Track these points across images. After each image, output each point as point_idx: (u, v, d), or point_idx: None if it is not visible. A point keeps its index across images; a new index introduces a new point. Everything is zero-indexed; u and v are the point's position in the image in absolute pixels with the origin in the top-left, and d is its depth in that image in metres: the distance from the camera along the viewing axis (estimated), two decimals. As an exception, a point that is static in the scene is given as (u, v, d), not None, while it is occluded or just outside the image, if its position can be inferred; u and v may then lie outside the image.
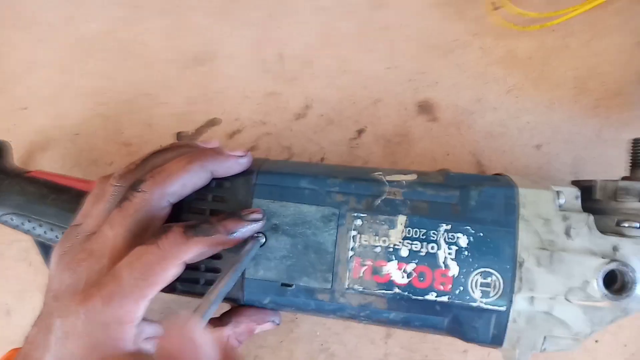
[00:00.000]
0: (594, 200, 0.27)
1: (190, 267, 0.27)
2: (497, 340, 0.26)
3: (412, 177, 0.28)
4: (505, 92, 0.36)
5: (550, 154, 0.35)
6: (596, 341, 0.35)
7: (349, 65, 0.37)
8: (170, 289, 0.28)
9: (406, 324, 0.27)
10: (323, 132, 0.38)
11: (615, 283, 0.25)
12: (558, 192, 0.26)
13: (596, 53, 0.35)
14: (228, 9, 0.38)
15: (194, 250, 0.25)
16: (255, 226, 0.27)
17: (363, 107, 0.37)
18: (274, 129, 0.38)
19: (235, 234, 0.26)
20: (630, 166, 0.29)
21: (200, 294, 0.28)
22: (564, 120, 0.35)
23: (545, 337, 0.25)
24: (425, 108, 0.37)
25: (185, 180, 0.26)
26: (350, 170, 0.29)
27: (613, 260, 0.25)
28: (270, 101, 0.38)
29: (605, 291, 0.25)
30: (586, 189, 0.28)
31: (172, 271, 0.24)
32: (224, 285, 0.24)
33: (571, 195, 0.26)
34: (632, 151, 0.29)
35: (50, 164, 0.40)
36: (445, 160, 0.37)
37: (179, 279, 0.27)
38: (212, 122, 0.39)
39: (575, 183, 0.29)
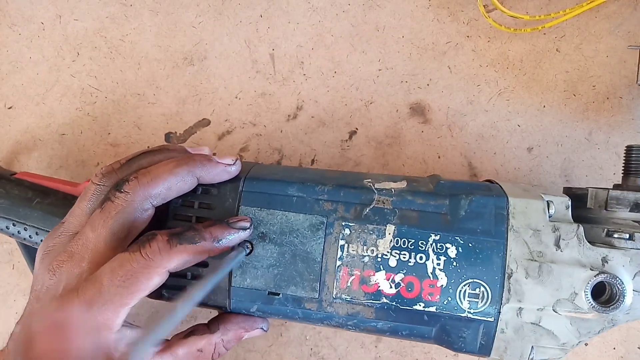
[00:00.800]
0: (585, 208, 0.27)
1: (176, 275, 0.26)
2: (484, 350, 0.26)
3: (401, 184, 0.27)
4: (497, 94, 0.36)
5: (541, 156, 0.36)
6: (586, 344, 0.35)
7: (341, 66, 0.37)
8: (156, 295, 0.27)
9: (394, 333, 0.27)
10: (314, 133, 0.37)
11: (603, 294, 0.25)
12: (548, 203, 0.26)
13: (587, 57, 0.35)
14: (219, 8, 0.38)
15: (179, 258, 0.24)
16: (243, 234, 0.26)
17: (355, 108, 0.37)
18: (265, 130, 0.38)
19: (222, 242, 0.25)
20: (623, 173, 0.29)
21: None
22: (554, 123, 0.36)
23: (532, 347, 0.25)
24: (417, 110, 0.37)
25: (171, 184, 0.26)
26: (339, 176, 0.29)
27: (602, 272, 0.25)
28: (261, 102, 0.38)
29: (594, 303, 0.25)
30: (577, 197, 0.27)
31: (156, 280, 0.24)
32: (194, 295, 0.23)
33: (562, 205, 0.26)
34: (625, 158, 0.29)
35: (36, 165, 0.39)
36: (437, 162, 0.37)
37: (164, 286, 0.26)
38: (202, 123, 0.38)
39: (567, 190, 0.29)
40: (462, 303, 0.25)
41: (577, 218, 0.26)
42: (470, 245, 0.25)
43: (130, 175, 0.25)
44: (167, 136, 0.39)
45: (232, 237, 0.26)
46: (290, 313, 0.27)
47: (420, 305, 0.25)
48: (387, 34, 0.37)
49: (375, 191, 0.27)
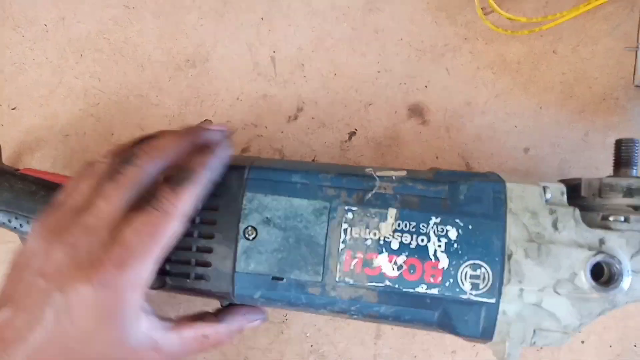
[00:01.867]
0: (579, 197, 0.28)
1: (179, 262, 0.27)
2: (487, 334, 0.26)
3: (402, 173, 0.28)
4: (494, 96, 0.36)
5: (538, 157, 0.36)
6: (582, 342, 0.36)
7: (340, 68, 0.38)
8: (160, 283, 0.28)
9: (396, 318, 0.27)
10: (314, 134, 0.38)
11: (602, 275, 0.26)
12: (544, 188, 0.26)
13: (584, 58, 0.36)
14: (221, 11, 0.38)
15: (189, 200, 0.26)
16: (228, 148, 0.28)
17: (354, 110, 0.38)
18: (266, 131, 0.38)
19: (214, 164, 0.27)
20: (614, 166, 0.29)
21: (191, 290, 0.28)
22: (551, 124, 0.36)
23: (534, 331, 0.26)
24: (415, 111, 0.37)
25: (177, 152, 0.27)
26: (341, 167, 0.30)
27: (600, 252, 0.25)
28: (262, 104, 0.38)
29: (593, 283, 0.25)
30: (572, 187, 0.28)
31: (176, 226, 0.25)
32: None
33: (557, 191, 0.27)
34: (615, 151, 0.29)
35: (40, 165, 0.40)
36: (435, 162, 0.37)
37: (168, 274, 0.27)
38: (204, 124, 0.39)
39: (562, 182, 0.30)
40: (463, 285, 0.26)
41: (571, 206, 0.27)
42: (470, 227, 0.26)
43: (139, 150, 0.26)
44: (170, 137, 0.39)
45: (222, 153, 0.27)
46: (293, 299, 0.27)
47: (422, 287, 0.26)
48: (386, 37, 0.37)
49: (377, 178, 0.28)
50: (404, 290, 0.26)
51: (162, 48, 0.39)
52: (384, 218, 0.26)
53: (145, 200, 0.25)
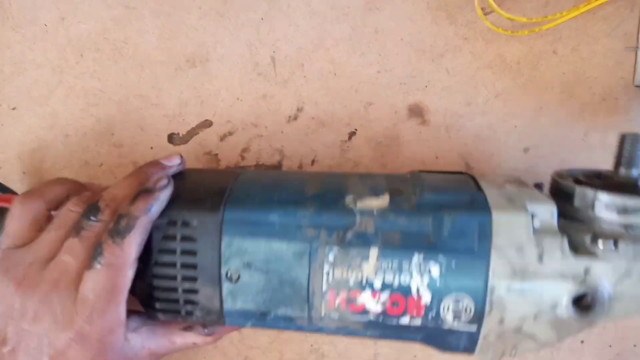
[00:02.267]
0: (572, 206, 0.27)
1: (167, 289, 0.28)
2: (468, 351, 0.27)
3: (384, 201, 0.27)
4: (494, 96, 0.37)
5: (537, 157, 0.36)
6: (582, 342, 0.36)
7: (340, 68, 0.38)
8: (153, 317, 0.29)
9: (383, 338, 0.28)
10: (314, 134, 0.38)
11: (584, 298, 0.26)
12: (533, 216, 0.25)
13: (583, 58, 0.36)
14: (221, 11, 0.38)
15: (134, 247, 0.27)
16: (168, 190, 0.28)
17: (354, 110, 0.38)
18: (266, 131, 0.38)
19: (153, 209, 0.27)
20: (615, 163, 0.28)
21: (185, 314, 0.29)
22: (551, 124, 0.36)
23: (515, 346, 0.26)
24: (415, 111, 0.37)
25: (128, 201, 0.28)
26: (321, 192, 0.28)
27: (583, 283, 0.25)
28: (262, 104, 0.38)
29: (573, 312, 0.25)
30: (565, 194, 0.27)
31: (129, 273, 0.27)
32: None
33: (547, 213, 0.26)
34: (618, 147, 0.28)
35: (40, 165, 0.40)
36: (435, 162, 0.37)
37: (160, 311, 0.29)
38: (204, 124, 0.39)
39: (555, 184, 0.29)
40: (445, 317, 0.26)
41: (563, 214, 0.26)
42: (453, 263, 0.25)
43: (103, 203, 0.28)
44: (170, 137, 0.39)
45: (161, 198, 0.28)
46: (284, 327, 0.28)
47: (405, 319, 0.26)
48: (386, 37, 0.37)
49: (357, 213, 0.27)
50: (388, 323, 0.27)
51: (162, 48, 0.39)
52: (365, 258, 0.26)
53: (92, 255, 0.27)
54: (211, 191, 0.28)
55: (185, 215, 0.27)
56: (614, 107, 0.36)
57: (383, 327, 0.27)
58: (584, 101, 0.36)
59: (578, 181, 0.28)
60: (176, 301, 0.28)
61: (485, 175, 0.31)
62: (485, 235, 0.25)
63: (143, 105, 0.39)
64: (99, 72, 0.40)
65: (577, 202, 0.27)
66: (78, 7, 0.40)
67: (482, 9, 0.35)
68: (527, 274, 0.25)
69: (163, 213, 0.28)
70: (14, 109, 0.40)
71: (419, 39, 0.37)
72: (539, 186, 0.29)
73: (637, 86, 0.34)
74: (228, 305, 0.27)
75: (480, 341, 0.26)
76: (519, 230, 0.25)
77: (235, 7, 0.38)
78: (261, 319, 0.28)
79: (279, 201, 0.28)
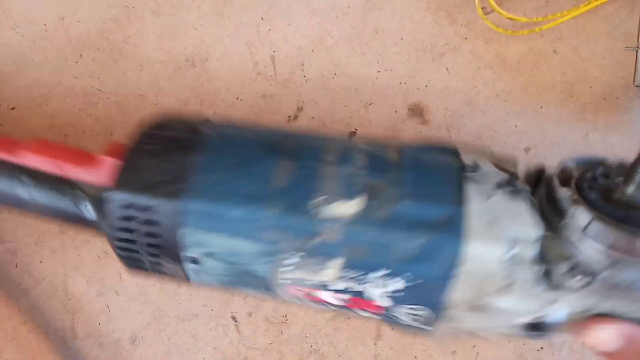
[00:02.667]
0: (563, 220, 0.24)
1: (141, 265, 0.28)
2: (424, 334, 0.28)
3: (356, 206, 0.25)
4: (495, 96, 0.36)
5: (538, 157, 0.36)
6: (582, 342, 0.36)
7: (340, 68, 0.38)
8: (137, 266, 0.29)
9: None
10: (314, 134, 0.38)
11: (537, 322, 0.26)
12: (514, 241, 0.24)
13: (584, 58, 0.36)
14: (221, 10, 0.38)
15: None
16: None
17: (354, 109, 0.38)
18: (266, 131, 0.38)
19: None
20: (625, 178, 0.24)
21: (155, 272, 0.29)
22: (551, 124, 0.36)
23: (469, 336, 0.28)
24: (415, 111, 0.37)
25: None
26: (293, 182, 0.26)
27: (541, 316, 0.25)
28: (262, 103, 0.38)
29: (525, 333, 0.26)
30: (558, 208, 0.25)
31: None
32: None
33: (529, 241, 0.24)
34: (633, 163, 0.24)
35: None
36: (436, 163, 0.37)
37: (139, 266, 0.29)
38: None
39: (549, 189, 0.26)
40: (403, 318, 0.27)
41: (550, 222, 0.25)
42: (416, 283, 0.25)
43: None
44: (169, 137, 0.39)
45: None
46: (251, 293, 0.30)
47: (365, 313, 0.28)
48: (386, 36, 0.37)
49: (324, 222, 0.25)
50: (348, 313, 0.28)
51: (162, 48, 0.39)
52: (327, 267, 0.25)
53: None
54: (173, 171, 0.27)
55: (146, 200, 0.26)
56: (614, 106, 0.36)
57: (343, 311, 0.29)
58: (584, 101, 0.36)
59: (579, 188, 0.25)
60: (144, 263, 0.28)
61: (484, 153, 0.29)
62: (454, 262, 0.24)
63: (142, 105, 0.39)
64: (98, 72, 0.40)
65: (568, 219, 0.24)
66: (78, 7, 0.40)
67: (483, 8, 0.35)
68: (488, 302, 0.25)
69: (124, 191, 0.26)
70: (13, 109, 0.40)
71: (419, 38, 0.37)
72: (539, 172, 0.28)
73: (637, 86, 0.34)
74: (193, 278, 0.28)
75: (434, 332, 0.28)
76: (491, 261, 0.24)
77: (235, 7, 0.38)
78: (227, 288, 0.29)
79: (243, 194, 0.26)
